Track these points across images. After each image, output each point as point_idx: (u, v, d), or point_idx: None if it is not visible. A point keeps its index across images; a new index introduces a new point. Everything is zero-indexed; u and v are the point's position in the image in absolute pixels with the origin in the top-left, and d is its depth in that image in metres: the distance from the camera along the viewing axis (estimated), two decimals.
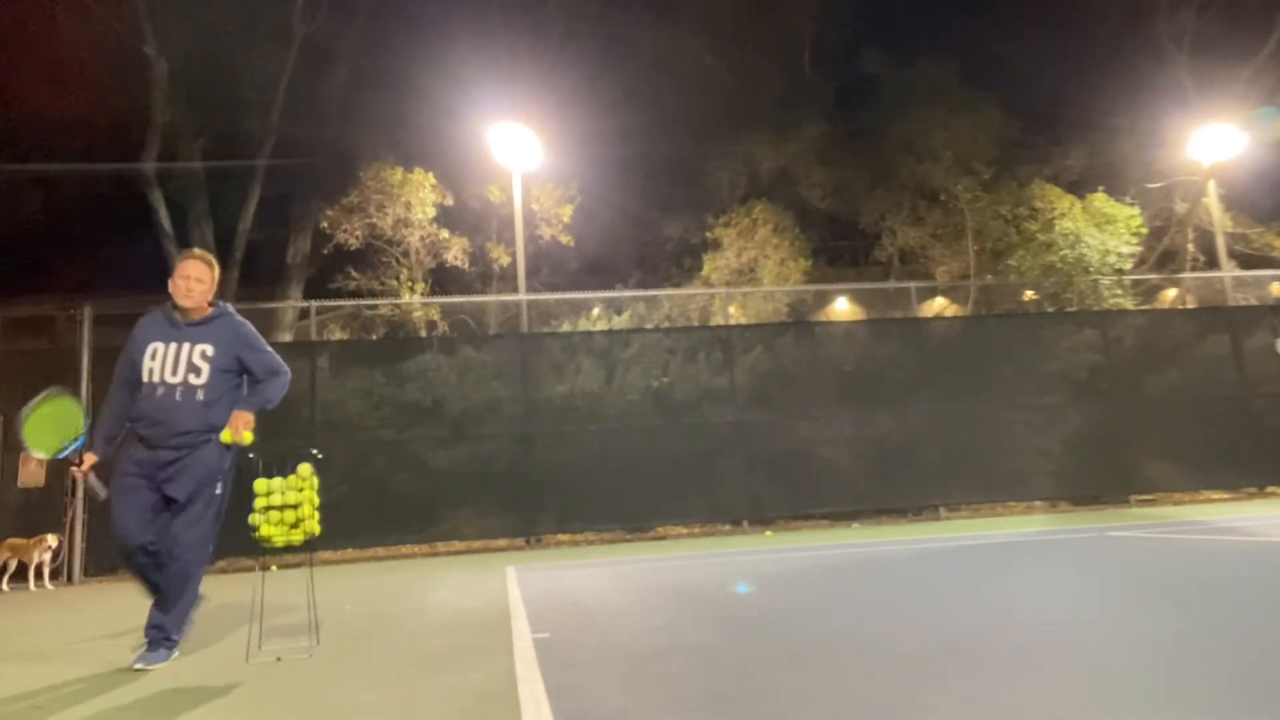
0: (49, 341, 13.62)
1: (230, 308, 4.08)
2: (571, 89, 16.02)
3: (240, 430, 3.71)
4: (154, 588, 3.73)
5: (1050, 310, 14.28)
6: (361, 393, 11.06)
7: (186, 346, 3.81)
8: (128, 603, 7.12)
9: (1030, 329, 12.95)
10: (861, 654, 3.05)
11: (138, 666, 3.52)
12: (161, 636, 3.67)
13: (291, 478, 3.69)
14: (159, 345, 3.81)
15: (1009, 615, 3.73)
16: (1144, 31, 17.36)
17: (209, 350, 3.84)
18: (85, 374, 10.16)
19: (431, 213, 14.63)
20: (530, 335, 12.02)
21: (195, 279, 3.89)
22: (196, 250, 4.04)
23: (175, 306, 3.91)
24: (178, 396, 3.75)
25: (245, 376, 3.95)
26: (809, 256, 16.36)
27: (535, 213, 15.21)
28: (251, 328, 4.06)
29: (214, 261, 4.03)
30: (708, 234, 16.44)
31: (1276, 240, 16.74)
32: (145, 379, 3.76)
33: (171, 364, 3.77)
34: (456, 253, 15.10)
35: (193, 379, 3.78)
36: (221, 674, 3.36)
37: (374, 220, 14.53)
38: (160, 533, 3.68)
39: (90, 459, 3.80)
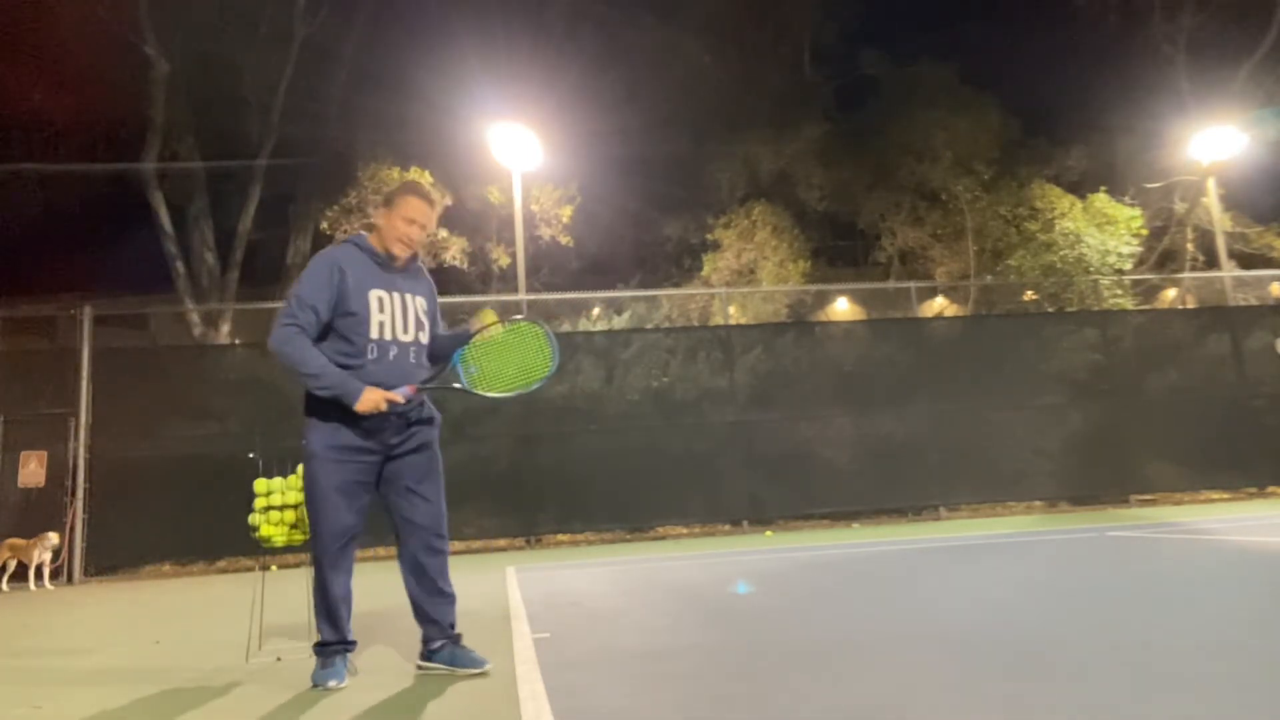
0: (49, 341, 13.59)
1: (418, 252, 3.35)
2: (571, 89, 16.03)
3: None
4: (343, 598, 3.10)
5: (1050, 310, 14.28)
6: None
7: (409, 298, 3.17)
8: (127, 603, 7.12)
9: (1030, 329, 12.96)
10: (861, 654, 3.05)
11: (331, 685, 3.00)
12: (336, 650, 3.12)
13: (292, 478, 3.68)
14: (382, 294, 3.10)
15: (1009, 615, 3.73)
16: (1142, 32, 17.39)
17: (424, 304, 3.23)
18: (85, 374, 10.16)
19: None
20: None
21: (422, 226, 3.18)
22: (422, 185, 3.30)
23: (376, 247, 3.18)
24: (411, 358, 3.13)
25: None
26: (808, 257, 16.39)
27: (535, 213, 15.21)
28: None
29: (438, 202, 3.31)
30: (707, 235, 16.45)
31: (1276, 240, 16.75)
32: (375, 335, 3.05)
33: (401, 319, 3.12)
34: (455, 253, 15.10)
35: (422, 337, 3.19)
36: (221, 674, 3.36)
37: (373, 220, 14.52)
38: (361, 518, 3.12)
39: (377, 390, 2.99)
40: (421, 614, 3.18)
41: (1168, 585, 4.37)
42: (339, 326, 3.05)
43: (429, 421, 3.24)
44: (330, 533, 3.04)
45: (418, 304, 3.19)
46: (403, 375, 3.07)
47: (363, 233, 3.27)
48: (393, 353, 3.08)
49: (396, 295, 3.13)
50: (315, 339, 3.04)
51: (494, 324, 3.24)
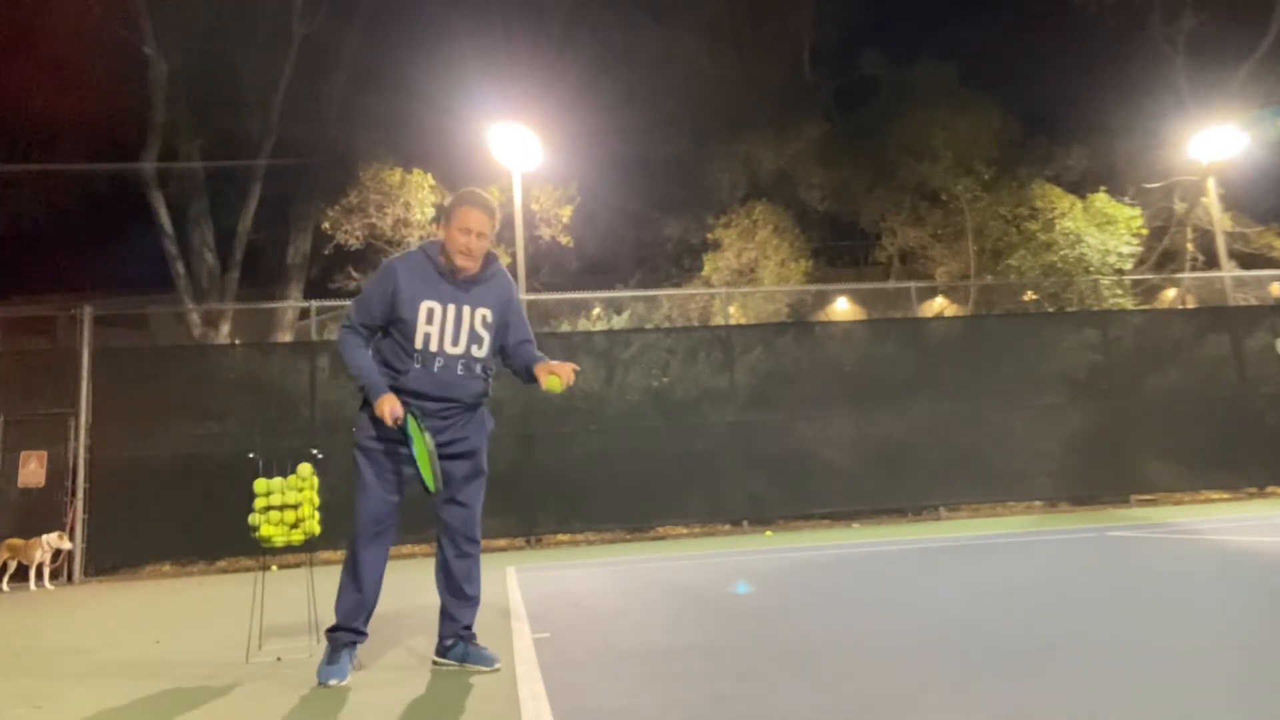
0: (49, 341, 13.59)
1: (498, 256, 3.30)
2: (571, 89, 16.01)
3: (569, 375, 3.15)
4: (368, 588, 3.15)
5: (1050, 310, 14.28)
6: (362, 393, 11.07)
7: (466, 310, 3.13)
8: (127, 603, 7.13)
9: (1030, 329, 12.97)
10: (861, 654, 3.05)
11: (332, 683, 3.02)
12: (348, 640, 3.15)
13: (291, 478, 3.69)
14: (434, 305, 3.09)
15: (1008, 615, 3.73)
16: (1141, 32, 17.40)
17: (488, 315, 3.18)
18: (85, 374, 10.17)
19: (431, 213, 14.64)
20: None
21: (479, 235, 3.11)
22: (479, 194, 3.20)
23: (441, 257, 3.16)
24: (459, 370, 3.13)
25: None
26: (809, 257, 16.38)
27: (535, 213, 15.19)
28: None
29: (497, 209, 3.21)
30: (708, 234, 16.44)
31: (1276, 240, 16.75)
32: (419, 345, 3.07)
33: (452, 331, 3.10)
34: None
35: (475, 350, 3.15)
36: (221, 674, 3.36)
37: (374, 220, 14.52)
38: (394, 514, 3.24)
39: (393, 402, 3.05)
40: (443, 611, 3.28)
41: (1168, 585, 4.37)
42: (393, 332, 3.16)
43: (480, 429, 3.29)
44: (365, 519, 3.16)
45: (478, 316, 3.16)
46: (447, 386, 3.13)
47: (437, 241, 3.23)
48: (438, 364, 3.11)
49: (451, 307, 3.12)
50: (374, 338, 3.22)
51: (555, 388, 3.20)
